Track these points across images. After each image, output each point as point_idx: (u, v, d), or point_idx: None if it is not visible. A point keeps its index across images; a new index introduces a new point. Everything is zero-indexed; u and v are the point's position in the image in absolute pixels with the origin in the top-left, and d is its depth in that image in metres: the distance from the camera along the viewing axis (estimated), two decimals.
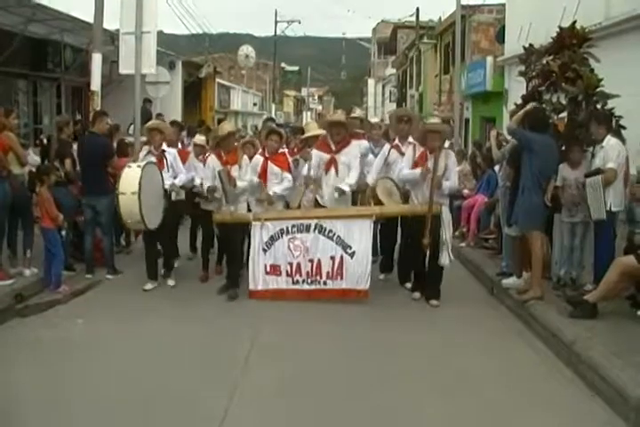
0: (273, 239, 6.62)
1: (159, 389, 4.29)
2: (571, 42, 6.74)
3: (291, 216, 6.77)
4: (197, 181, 7.03)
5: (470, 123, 19.34)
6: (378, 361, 4.89)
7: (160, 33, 10.37)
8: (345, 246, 6.46)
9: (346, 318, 5.98)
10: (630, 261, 5.32)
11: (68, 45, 12.84)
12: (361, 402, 4.16)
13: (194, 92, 20.07)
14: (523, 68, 7.36)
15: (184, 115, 16.87)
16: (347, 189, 6.67)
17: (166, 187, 6.82)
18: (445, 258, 6.40)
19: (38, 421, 3.83)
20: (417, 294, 6.68)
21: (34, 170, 7.17)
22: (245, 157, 6.92)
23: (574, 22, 6.97)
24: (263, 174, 6.93)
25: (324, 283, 6.48)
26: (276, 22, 39.41)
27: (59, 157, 7.56)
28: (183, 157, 7.41)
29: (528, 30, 11.88)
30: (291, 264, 6.56)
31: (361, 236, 6.46)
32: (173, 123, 9.19)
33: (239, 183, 6.63)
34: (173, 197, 7.13)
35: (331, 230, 6.51)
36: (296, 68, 61.76)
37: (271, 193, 6.84)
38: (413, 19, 29.99)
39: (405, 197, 6.69)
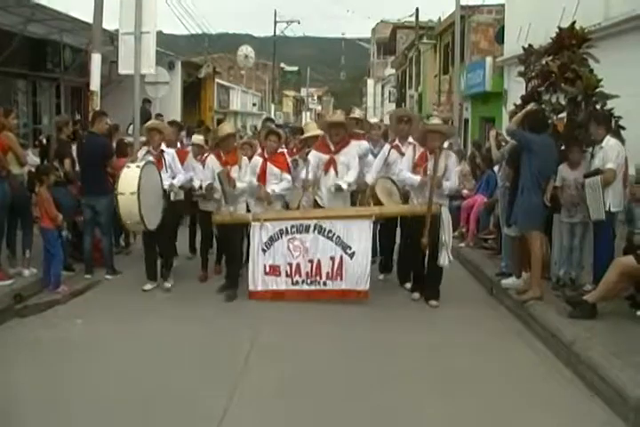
0: (272, 240, 6.60)
1: (158, 389, 4.28)
2: (570, 42, 6.74)
3: (290, 217, 6.76)
4: (196, 183, 6.98)
5: (470, 123, 19.35)
6: (377, 362, 4.89)
7: (159, 33, 10.40)
8: (344, 247, 6.46)
9: (345, 319, 5.97)
10: (629, 261, 5.32)
11: (67, 45, 12.84)
12: (361, 402, 4.16)
13: (193, 92, 20.05)
14: (522, 68, 7.37)
15: (183, 115, 16.84)
16: (344, 185, 6.64)
17: (165, 187, 6.81)
18: (445, 258, 6.39)
19: (38, 421, 3.82)
20: (416, 295, 6.68)
21: (33, 170, 7.18)
22: (245, 157, 6.92)
23: (574, 23, 6.97)
24: (262, 175, 6.93)
25: (324, 283, 6.48)
26: (276, 22, 39.56)
27: (58, 157, 7.56)
28: (181, 156, 7.37)
29: (527, 31, 11.86)
30: (290, 265, 6.55)
31: (360, 236, 6.45)
32: (172, 123, 9.16)
33: (239, 184, 6.62)
34: (172, 197, 7.10)
35: (330, 231, 6.50)
36: (295, 69, 61.74)
37: (270, 191, 6.84)
38: (413, 19, 29.96)
39: (405, 198, 6.69)
